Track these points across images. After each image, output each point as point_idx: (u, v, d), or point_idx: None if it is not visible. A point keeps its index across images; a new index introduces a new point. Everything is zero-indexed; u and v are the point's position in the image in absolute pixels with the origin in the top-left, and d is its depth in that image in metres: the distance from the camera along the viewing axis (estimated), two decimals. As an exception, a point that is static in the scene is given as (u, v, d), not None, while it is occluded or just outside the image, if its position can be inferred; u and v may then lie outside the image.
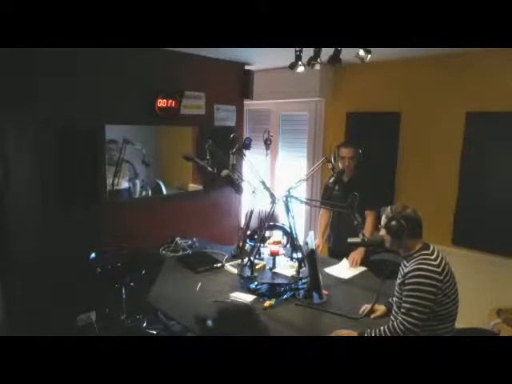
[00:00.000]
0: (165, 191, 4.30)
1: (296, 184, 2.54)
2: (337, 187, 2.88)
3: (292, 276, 2.36)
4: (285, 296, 2.25)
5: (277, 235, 2.79)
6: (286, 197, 2.45)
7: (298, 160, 4.43)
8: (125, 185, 3.80)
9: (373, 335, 1.75)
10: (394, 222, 1.82)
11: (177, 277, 2.55)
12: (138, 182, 3.88)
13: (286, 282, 2.32)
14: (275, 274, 2.41)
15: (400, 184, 3.63)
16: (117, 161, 3.41)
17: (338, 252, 2.97)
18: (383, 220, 1.90)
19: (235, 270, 2.55)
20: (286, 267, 2.48)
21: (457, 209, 3.28)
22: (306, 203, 3.39)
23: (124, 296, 2.89)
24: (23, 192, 2.70)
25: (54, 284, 2.84)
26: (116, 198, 3.47)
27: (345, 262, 2.77)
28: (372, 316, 2.03)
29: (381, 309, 2.06)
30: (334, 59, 2.28)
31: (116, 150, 3.61)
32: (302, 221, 4.38)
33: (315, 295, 2.21)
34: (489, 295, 3.08)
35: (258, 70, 4.15)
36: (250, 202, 2.76)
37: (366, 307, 2.06)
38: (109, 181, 3.43)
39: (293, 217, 2.51)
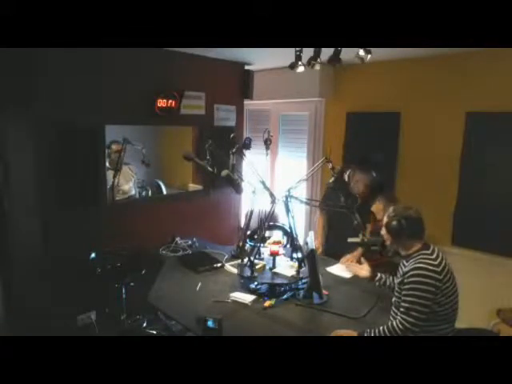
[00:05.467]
0: (165, 191, 4.31)
1: (296, 184, 2.54)
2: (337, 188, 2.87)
3: (292, 276, 2.35)
4: (285, 296, 2.25)
5: (277, 235, 2.79)
6: (286, 197, 2.45)
7: (298, 160, 4.43)
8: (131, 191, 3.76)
9: (372, 335, 1.75)
10: (394, 222, 1.82)
11: (177, 277, 2.55)
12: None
13: (286, 281, 2.32)
14: (275, 273, 2.41)
15: (400, 184, 3.63)
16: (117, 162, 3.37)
17: (334, 254, 2.93)
18: (385, 219, 1.90)
19: (235, 270, 2.55)
20: (286, 267, 2.48)
21: (457, 209, 3.29)
22: (306, 203, 3.39)
23: (124, 296, 2.89)
24: (23, 192, 2.69)
25: (53, 284, 2.84)
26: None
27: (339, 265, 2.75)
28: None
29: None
30: (334, 59, 2.28)
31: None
32: (301, 221, 4.38)
33: (315, 295, 2.21)
34: (489, 295, 3.08)
35: (257, 70, 4.15)
36: (250, 202, 2.75)
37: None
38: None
39: (293, 217, 2.50)
